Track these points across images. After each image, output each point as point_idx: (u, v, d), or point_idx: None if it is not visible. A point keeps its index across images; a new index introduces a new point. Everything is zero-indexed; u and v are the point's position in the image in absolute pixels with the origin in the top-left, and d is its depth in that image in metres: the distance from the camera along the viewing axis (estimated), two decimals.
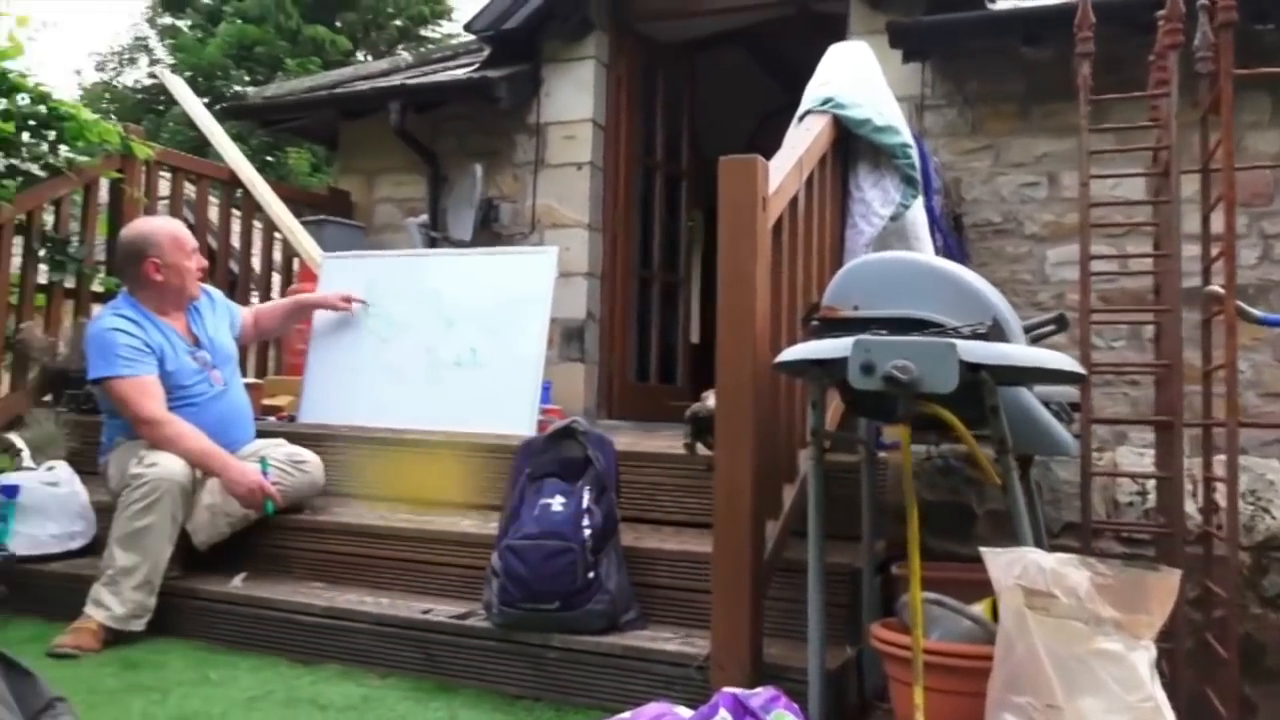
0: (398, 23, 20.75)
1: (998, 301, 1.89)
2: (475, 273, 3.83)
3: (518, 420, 3.44)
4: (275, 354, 4.96)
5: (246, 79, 18.32)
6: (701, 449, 2.76)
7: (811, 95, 2.91)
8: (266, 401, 4.15)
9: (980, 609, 1.89)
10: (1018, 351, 1.78)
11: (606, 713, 2.34)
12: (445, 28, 21.08)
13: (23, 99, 3.97)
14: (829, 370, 1.91)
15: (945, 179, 4.23)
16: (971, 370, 1.67)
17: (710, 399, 2.67)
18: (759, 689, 1.99)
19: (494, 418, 3.46)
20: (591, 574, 2.49)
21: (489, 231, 5.15)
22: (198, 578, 3.02)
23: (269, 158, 16.77)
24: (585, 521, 2.53)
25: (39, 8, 4.43)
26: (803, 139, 2.67)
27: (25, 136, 4.04)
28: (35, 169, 4.19)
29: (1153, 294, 2.89)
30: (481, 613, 2.62)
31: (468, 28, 5.28)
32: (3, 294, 4.05)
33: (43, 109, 4.01)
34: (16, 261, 4.15)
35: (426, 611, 2.69)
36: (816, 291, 2.70)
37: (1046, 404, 2.11)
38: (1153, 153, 2.82)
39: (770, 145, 2.30)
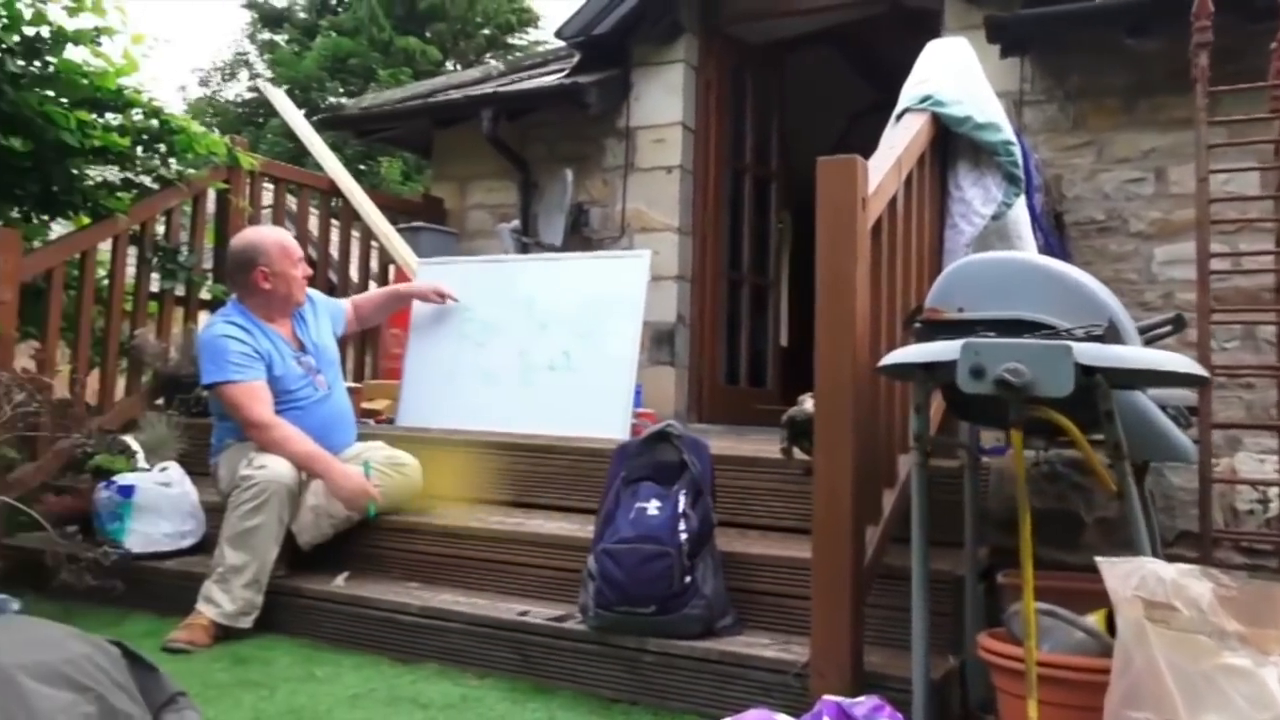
0: (486, 31, 21.07)
1: (1112, 302, 1.83)
2: (568, 277, 3.86)
3: (611, 424, 3.45)
4: (372, 359, 5.06)
5: (340, 90, 18.82)
6: (798, 453, 2.73)
7: (909, 93, 2.86)
8: (365, 405, 4.24)
9: (1093, 620, 1.83)
10: (1136, 354, 1.72)
11: (704, 718, 2.33)
12: (532, 35, 21.35)
13: (137, 114, 4.13)
14: (934, 374, 1.87)
15: (1046, 176, 4.11)
16: (1086, 373, 1.61)
17: (807, 402, 2.64)
18: (861, 698, 1.96)
19: (587, 421, 3.48)
20: (688, 578, 2.48)
21: (579, 236, 5.19)
22: (302, 577, 3.10)
23: (362, 167, 17.18)
24: (681, 526, 2.52)
25: (151, 25, 4.59)
26: (901, 138, 2.62)
27: (139, 150, 4.19)
28: (148, 181, 4.37)
29: (1271, 292, 2.76)
30: (577, 615, 2.63)
31: (558, 34, 5.33)
32: (119, 301, 4.22)
33: (155, 123, 4.17)
34: (131, 270, 4.32)
35: (523, 613, 2.72)
36: (916, 293, 2.66)
37: (1163, 408, 2.03)
38: (1275, 146, 2.69)
39: (860, 146, 2.27)
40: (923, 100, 2.79)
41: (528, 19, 21.55)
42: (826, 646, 2.16)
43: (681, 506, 2.56)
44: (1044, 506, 2.62)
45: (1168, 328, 2.18)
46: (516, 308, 3.84)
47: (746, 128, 5.56)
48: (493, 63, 6.97)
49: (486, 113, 5.27)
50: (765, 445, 3.22)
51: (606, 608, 2.50)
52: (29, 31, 3.71)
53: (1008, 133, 2.89)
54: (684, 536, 2.51)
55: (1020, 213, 2.97)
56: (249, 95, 21.65)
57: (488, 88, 5.62)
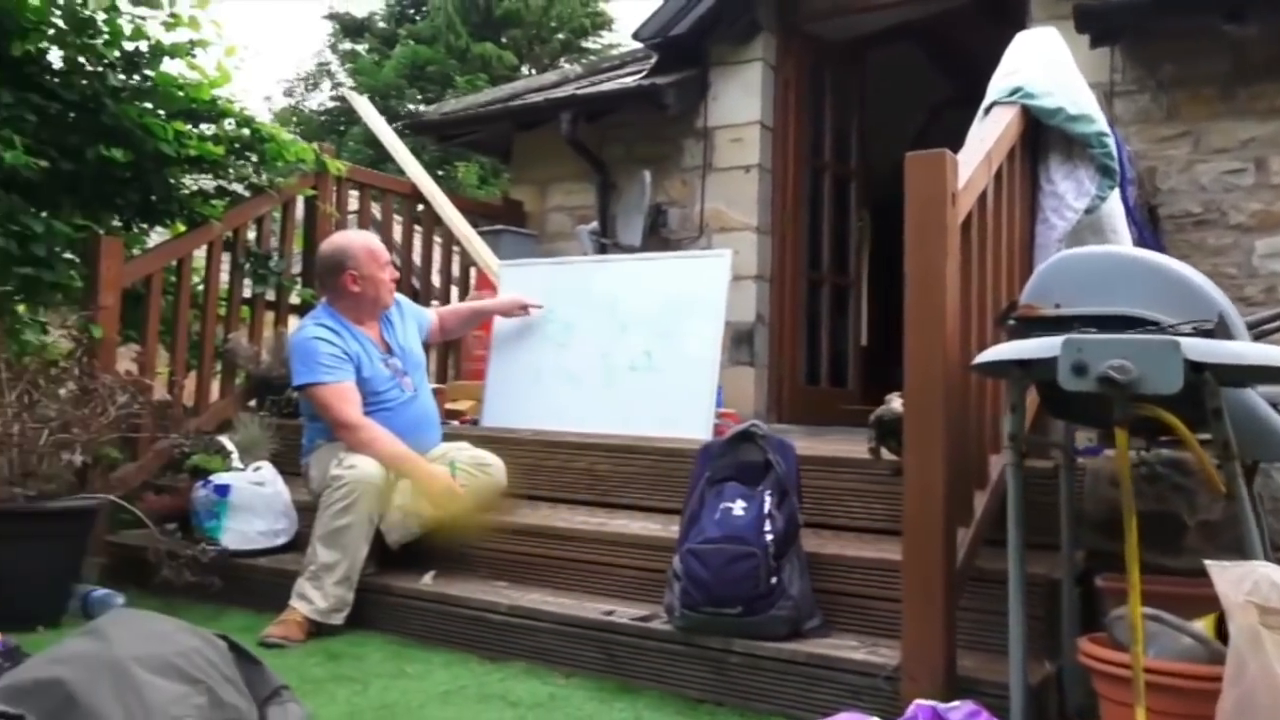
0: (560, 36, 21.26)
1: (1219, 296, 1.76)
2: (649, 277, 3.86)
3: (694, 424, 3.45)
4: (455, 360, 5.14)
5: (419, 98, 19.17)
6: (886, 453, 2.69)
7: (998, 86, 2.79)
8: (449, 406, 4.30)
9: (1201, 626, 1.77)
10: (1249, 349, 1.65)
11: None
12: (606, 38, 21.47)
13: (229, 123, 4.26)
14: (1031, 371, 1.83)
15: (1139, 169, 3.99)
16: (1194, 370, 1.56)
17: (895, 402, 2.60)
18: (956, 703, 1.92)
19: (669, 421, 3.48)
20: (774, 579, 2.46)
21: (658, 237, 5.19)
22: (391, 575, 3.16)
23: (439, 172, 17.47)
24: (767, 526, 2.50)
25: (239, 36, 4.74)
26: (990, 131, 2.57)
27: (232, 158, 4.32)
28: (240, 188, 4.49)
29: None
30: (663, 615, 2.63)
31: (636, 36, 5.34)
32: (214, 306, 4.35)
33: (246, 132, 4.29)
34: (224, 276, 4.45)
35: (608, 613, 2.73)
36: (1006, 290, 2.60)
37: (1274, 405, 1.95)
38: None
39: (940, 141, 2.22)
40: (1012, 92, 2.73)
41: (601, 22, 21.68)
42: (918, 650, 2.12)
43: (767, 507, 2.54)
44: (1144, 508, 2.53)
45: (1278, 322, 2.09)
46: (598, 308, 3.86)
47: (825, 125, 5.50)
48: (571, 66, 7.01)
49: (566, 115, 5.31)
50: (848, 446, 3.18)
51: (692, 608, 2.49)
52: (129, 46, 3.85)
53: (1101, 124, 2.81)
54: (770, 537, 2.49)
55: (1115, 206, 2.89)
56: (331, 104, 22.18)
57: (566, 90, 5.66)
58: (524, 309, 3.95)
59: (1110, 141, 2.80)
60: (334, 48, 22.87)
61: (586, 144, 5.47)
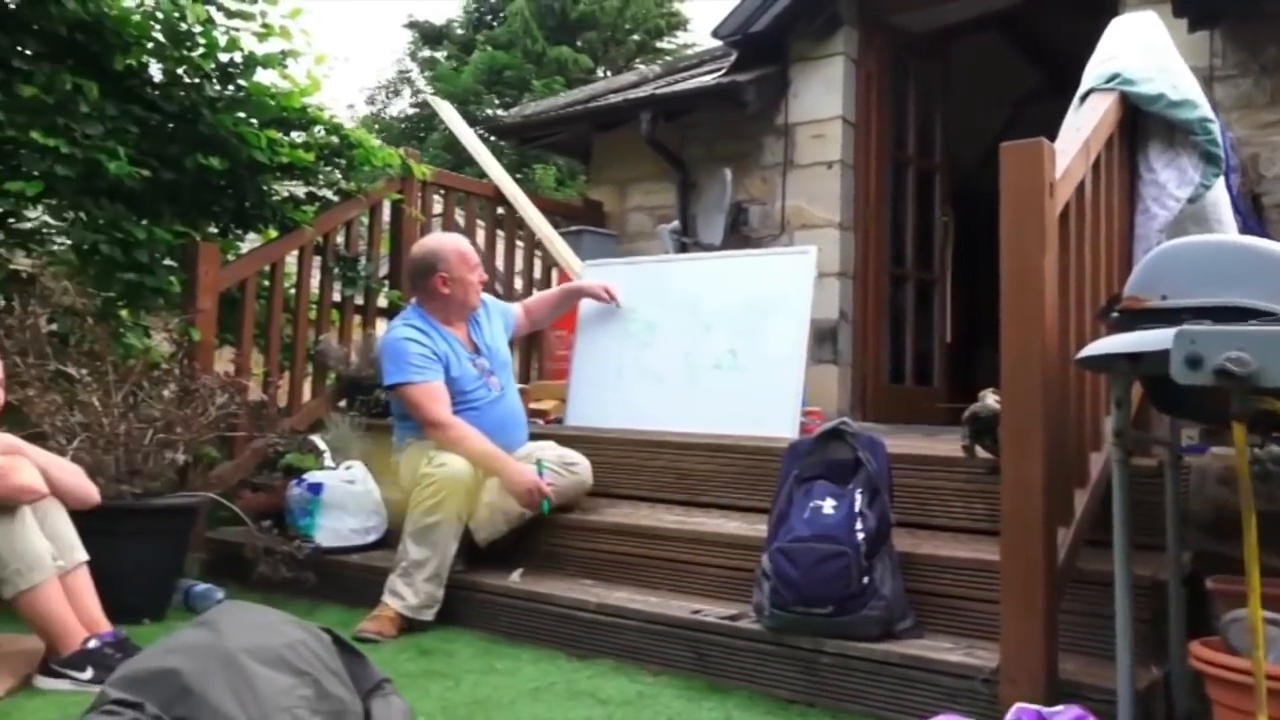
0: (635, 37, 21.32)
1: None
2: (732, 275, 3.84)
3: (780, 422, 3.42)
4: (538, 360, 5.18)
5: (496, 102, 19.41)
6: (981, 451, 2.63)
7: (1094, 72, 2.71)
8: (532, 405, 4.33)
9: None
10: None
11: None
12: (681, 38, 21.47)
13: (319, 131, 4.36)
14: (1139, 365, 1.76)
15: (1241, 156, 3.83)
16: None
17: (989, 398, 2.54)
18: (1060, 707, 1.87)
19: (755, 420, 3.46)
20: (866, 579, 2.42)
21: (738, 235, 5.16)
22: (479, 572, 3.20)
23: (517, 175, 17.63)
24: (858, 525, 2.47)
25: (326, 45, 4.86)
26: (1087, 119, 2.49)
27: (321, 165, 4.42)
28: (329, 194, 4.60)
29: None
30: (751, 615, 2.62)
31: (715, 33, 5.32)
32: (306, 309, 4.46)
33: (335, 139, 4.39)
34: (314, 279, 4.56)
35: (696, 611, 2.72)
36: (1106, 282, 2.52)
37: None
38: None
39: (1026, 133, 2.15)
40: (1110, 79, 2.65)
41: (676, 23, 21.68)
42: (1018, 652, 2.07)
43: (858, 505, 2.51)
44: (1257, 508, 2.44)
45: None
46: (681, 307, 3.85)
47: (909, 119, 5.41)
48: (649, 66, 7.02)
49: (645, 115, 5.32)
50: (938, 444, 3.13)
51: (782, 607, 2.47)
52: (224, 58, 3.97)
53: (1205, 109, 2.70)
54: (861, 536, 2.46)
55: (1219, 194, 2.78)
56: (411, 111, 22.59)
57: (645, 90, 5.67)
58: (609, 295, 3.95)
59: (1214, 127, 2.69)
60: (414, 55, 23.29)
61: (666, 143, 5.47)
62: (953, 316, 5.71)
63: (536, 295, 4.33)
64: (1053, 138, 2.25)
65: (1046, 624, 2.05)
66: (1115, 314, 1.90)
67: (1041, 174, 2.09)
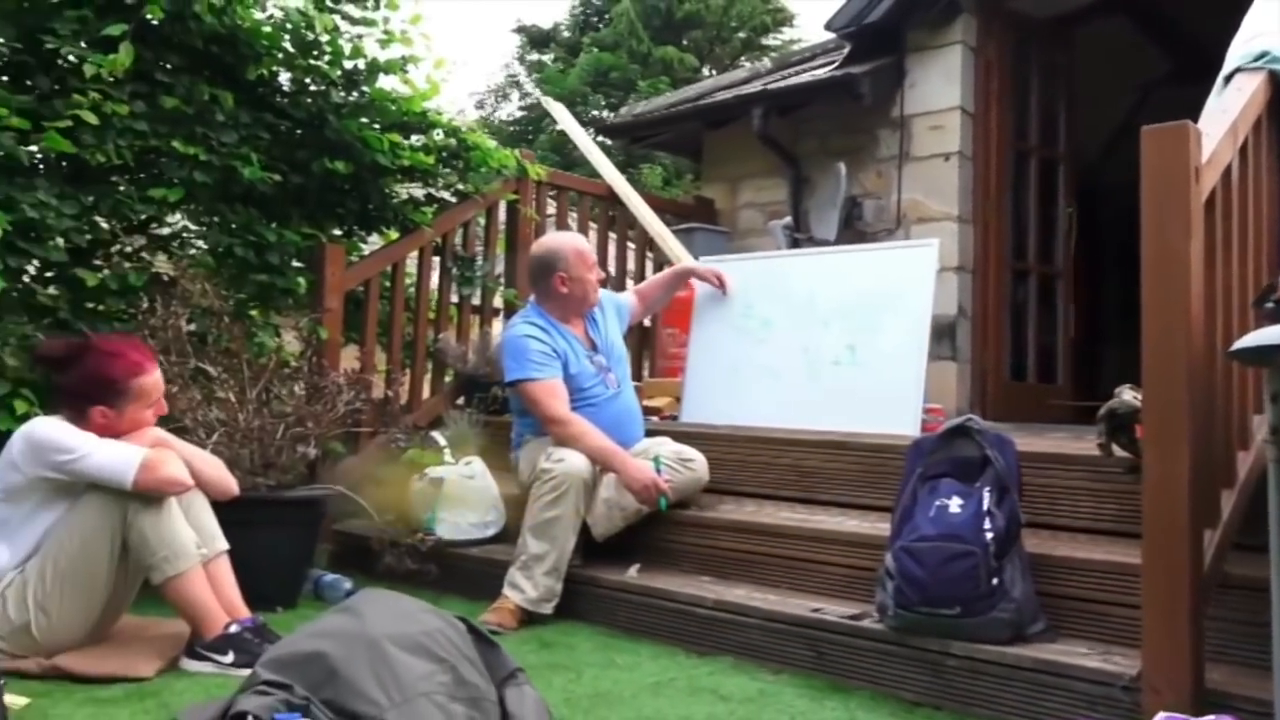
0: (741, 35, 21.25)
1: None
2: (851, 270, 3.78)
3: (901, 419, 3.36)
4: (649, 357, 5.20)
5: (602, 103, 19.58)
6: (1118, 449, 2.53)
7: (1240, 52, 2.57)
8: (645, 403, 4.35)
9: None
10: None
11: None
12: (787, 34, 21.30)
13: (438, 133, 4.46)
14: None
15: None
16: None
17: (1126, 393, 2.44)
18: (1210, 717, 1.79)
19: (875, 416, 3.40)
20: (995, 580, 2.36)
21: (852, 230, 5.08)
22: (596, 567, 3.23)
23: (624, 175, 17.74)
24: (987, 524, 2.40)
25: (442, 48, 4.97)
26: (1233, 101, 2.37)
27: (440, 167, 4.52)
28: (447, 195, 4.70)
29: None
30: (874, 614, 2.57)
31: (828, 26, 5.24)
32: (426, 308, 4.57)
33: (453, 141, 4.48)
34: (433, 279, 4.66)
35: (816, 610, 2.69)
36: (1255, 272, 2.40)
37: None
38: None
39: (1154, 120, 2.05)
40: (1258, 57, 2.51)
41: (782, 19, 21.53)
42: (1161, 660, 1.98)
43: (986, 504, 2.44)
44: None
45: None
46: (798, 303, 3.81)
47: (1031, 108, 5.24)
48: (759, 62, 6.97)
49: (757, 111, 5.27)
50: (1066, 442, 3.03)
51: (907, 607, 2.42)
52: (348, 65, 4.10)
53: None
54: (989, 536, 2.39)
55: None
56: (519, 114, 22.97)
57: (757, 86, 5.62)
58: (719, 280, 3.92)
59: None
60: (521, 59, 23.68)
61: (778, 139, 5.41)
62: (1077, 314, 5.51)
63: (647, 281, 4.33)
64: None
65: (1192, 631, 1.97)
66: (1271, 304, 1.80)
67: (1186, 158, 2.00)
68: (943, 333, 4.80)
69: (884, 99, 5.08)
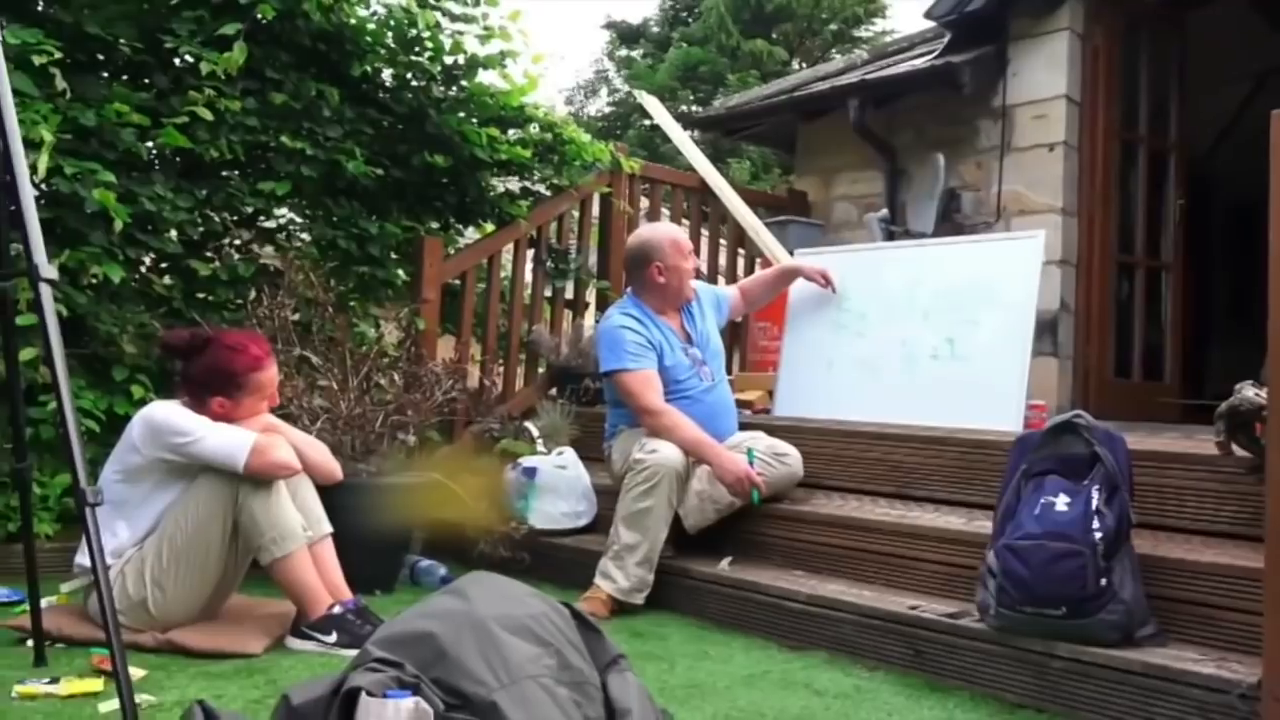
0: (832, 27, 20.97)
1: None
2: (951, 263, 3.71)
3: (1003, 415, 3.28)
4: (740, 351, 5.17)
5: (691, 98, 19.54)
6: (1238, 449, 2.43)
7: None
8: (737, 396, 4.32)
9: None
10: None
11: None
12: (879, 25, 20.95)
13: (534, 128, 4.51)
14: None
15: None
16: None
17: (1248, 390, 2.34)
18: None
19: (975, 411, 3.33)
20: (1104, 581, 2.28)
21: (950, 223, 4.97)
22: (688, 558, 3.23)
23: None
24: (1095, 524, 2.33)
25: (542, 43, 5.01)
26: None
27: (536, 160, 4.57)
28: (542, 188, 4.75)
29: None
30: (974, 613, 2.52)
31: (927, 14, 5.14)
32: (521, 300, 4.63)
33: (549, 135, 4.53)
34: (527, 270, 4.72)
35: (914, 608, 2.65)
36: None
37: None
38: None
39: (1269, 109, 1.95)
40: None
41: (874, 10, 21.18)
42: None
43: (1095, 503, 2.36)
44: None
45: None
46: (895, 296, 3.75)
47: (1140, 97, 5.06)
48: (855, 53, 6.88)
49: (853, 102, 5.20)
50: (1178, 441, 2.92)
51: (1010, 607, 2.36)
52: (448, 60, 4.17)
53: None
54: (1098, 535, 2.31)
55: None
56: (608, 110, 23.07)
57: (853, 77, 5.55)
58: (825, 278, 3.89)
59: None
60: (611, 55, 23.77)
61: (875, 130, 5.33)
62: (1183, 310, 5.31)
63: (752, 276, 4.31)
64: None
65: None
66: None
67: None
68: (1044, 328, 4.67)
69: (985, 89, 4.97)
